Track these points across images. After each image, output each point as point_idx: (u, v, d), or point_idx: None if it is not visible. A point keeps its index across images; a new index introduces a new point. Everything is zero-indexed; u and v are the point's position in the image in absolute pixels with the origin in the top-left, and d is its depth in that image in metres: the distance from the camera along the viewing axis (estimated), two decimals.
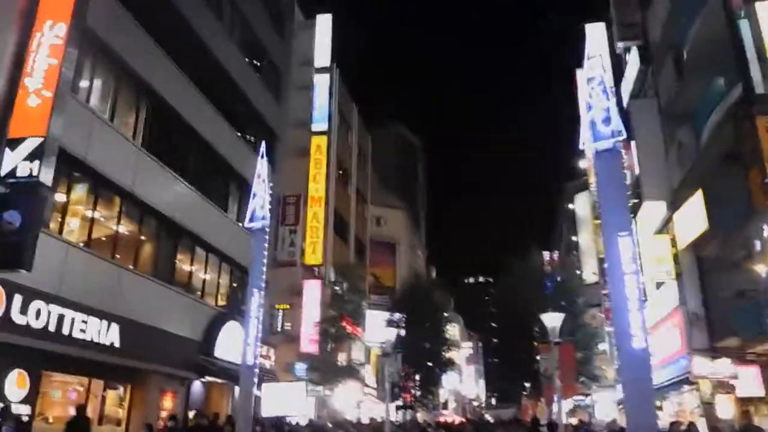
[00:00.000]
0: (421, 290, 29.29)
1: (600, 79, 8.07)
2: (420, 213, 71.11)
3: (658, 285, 20.91)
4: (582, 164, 38.56)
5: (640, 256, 24.23)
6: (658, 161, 19.59)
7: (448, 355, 29.25)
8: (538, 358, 22.79)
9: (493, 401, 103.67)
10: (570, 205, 46.77)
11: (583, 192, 45.19)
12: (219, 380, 17.53)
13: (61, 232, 11.76)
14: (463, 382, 74.04)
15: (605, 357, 29.29)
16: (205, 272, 17.92)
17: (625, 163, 24.22)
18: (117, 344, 12.60)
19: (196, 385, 16.58)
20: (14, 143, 9.88)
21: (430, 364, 27.73)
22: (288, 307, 22.82)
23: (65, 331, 11.09)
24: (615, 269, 6.94)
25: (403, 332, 26.56)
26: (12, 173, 9.71)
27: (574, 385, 18.23)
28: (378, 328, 32.47)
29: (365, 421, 24.64)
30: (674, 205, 18.67)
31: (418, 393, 27.50)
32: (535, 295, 26.54)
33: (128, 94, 14.60)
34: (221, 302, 18.92)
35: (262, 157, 10.82)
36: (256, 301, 9.99)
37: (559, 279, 30.41)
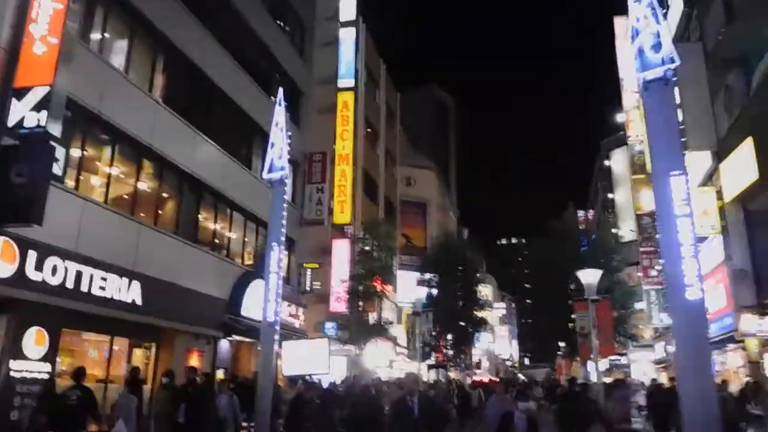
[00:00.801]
0: (452, 249, 28.67)
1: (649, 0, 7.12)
2: (451, 173, 69.96)
3: (701, 239, 19.88)
4: (619, 118, 36.88)
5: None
6: (703, 108, 18.22)
7: (480, 314, 28.76)
8: (573, 316, 22.15)
9: (527, 361, 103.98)
10: (606, 162, 45.20)
11: (620, 148, 43.57)
12: (246, 339, 17.40)
13: (77, 188, 11.43)
14: (496, 343, 73.97)
15: (642, 316, 28.39)
16: (230, 230, 17.60)
17: None
18: (139, 302, 12.38)
19: (223, 345, 16.45)
20: (21, 93, 9.45)
21: (462, 323, 27.31)
22: (317, 266, 22.47)
23: (83, 288, 10.86)
24: (666, 213, 6.17)
25: (434, 291, 26.12)
26: (19, 124, 9.31)
27: (611, 344, 17.56)
28: (409, 289, 32.28)
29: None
30: (720, 155, 17.50)
31: (450, 353, 27.17)
32: (570, 254, 25.82)
33: (144, 47, 14.05)
34: (248, 261, 18.66)
35: (280, 104, 10.18)
36: (275, 255, 9.51)
37: (594, 236, 29.42)
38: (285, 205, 9.81)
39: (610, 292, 21.08)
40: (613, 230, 37.43)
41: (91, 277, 11.08)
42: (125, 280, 12.04)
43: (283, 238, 9.65)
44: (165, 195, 14.86)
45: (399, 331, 34.58)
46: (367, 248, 21.37)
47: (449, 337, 27.50)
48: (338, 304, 22.58)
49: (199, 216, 16.10)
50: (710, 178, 18.64)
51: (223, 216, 17.29)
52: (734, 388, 17.09)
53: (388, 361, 32.55)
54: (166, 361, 13.85)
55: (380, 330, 21.08)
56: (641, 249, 27.77)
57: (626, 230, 32.23)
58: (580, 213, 56.26)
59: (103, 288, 11.38)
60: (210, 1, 16.60)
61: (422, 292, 19.70)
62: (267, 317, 9.35)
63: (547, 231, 26.84)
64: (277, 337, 9.39)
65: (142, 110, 13.37)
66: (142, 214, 13.47)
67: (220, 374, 16.25)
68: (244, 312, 16.56)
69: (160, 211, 14.36)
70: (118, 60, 13.03)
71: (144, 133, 13.29)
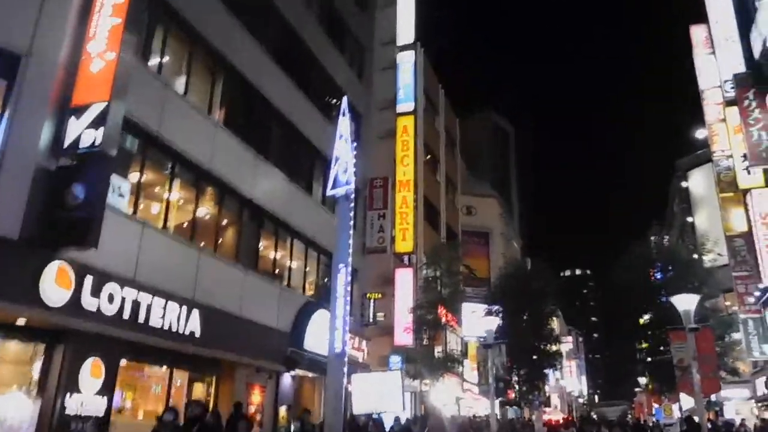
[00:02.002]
0: (520, 277, 26.99)
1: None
2: (513, 201, 68.07)
3: None
4: (699, 135, 34.51)
5: None
6: None
7: (554, 347, 26.79)
8: (663, 348, 20.10)
9: (596, 398, 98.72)
10: (683, 183, 42.42)
11: (699, 167, 40.79)
12: (310, 374, 16.47)
13: (135, 212, 10.95)
14: (565, 379, 70.19)
15: (739, 348, 25.67)
16: (291, 259, 16.88)
17: (761, 120, 20.88)
18: (198, 333, 11.67)
19: (286, 379, 15.55)
20: (78, 111, 9.06)
21: (534, 357, 25.42)
22: (380, 296, 21.47)
23: (141, 317, 10.22)
24: None
25: (501, 323, 24.52)
26: (75, 143, 8.89)
27: (716, 379, 15.45)
28: (474, 321, 30.68)
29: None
30: None
31: (524, 389, 25.28)
32: (643, 286, 23.86)
33: (203, 67, 13.73)
34: (309, 291, 17.88)
35: (344, 114, 9.39)
36: (342, 278, 8.58)
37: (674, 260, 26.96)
38: (351, 223, 8.90)
39: (704, 321, 18.95)
40: (694, 255, 34.66)
41: (150, 305, 10.45)
42: (184, 309, 11.37)
43: (350, 260, 8.71)
44: (225, 222, 14.31)
45: (466, 367, 32.91)
46: (431, 275, 20.13)
47: (521, 372, 25.63)
48: (404, 335, 21.39)
49: (260, 244, 15.47)
50: None
51: (284, 244, 16.61)
52: None
53: (454, 398, 30.89)
54: (227, 396, 13.05)
55: (449, 363, 19.69)
56: (734, 274, 25.33)
57: (709, 256, 29.56)
58: (653, 239, 53.02)
59: (161, 317, 10.73)
60: (268, 22, 16.28)
61: (493, 323, 18.21)
62: (334, 347, 8.37)
63: (629, 254, 24.75)
64: (345, 369, 8.37)
65: (202, 133, 12.94)
66: (201, 242, 12.90)
67: (282, 411, 15.35)
68: (307, 345, 15.66)
69: (220, 239, 13.79)
70: (177, 81, 12.71)
71: (204, 156, 12.83)
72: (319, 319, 16.45)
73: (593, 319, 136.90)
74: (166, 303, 10.87)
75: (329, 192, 9.07)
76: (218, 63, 13.99)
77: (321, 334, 16.23)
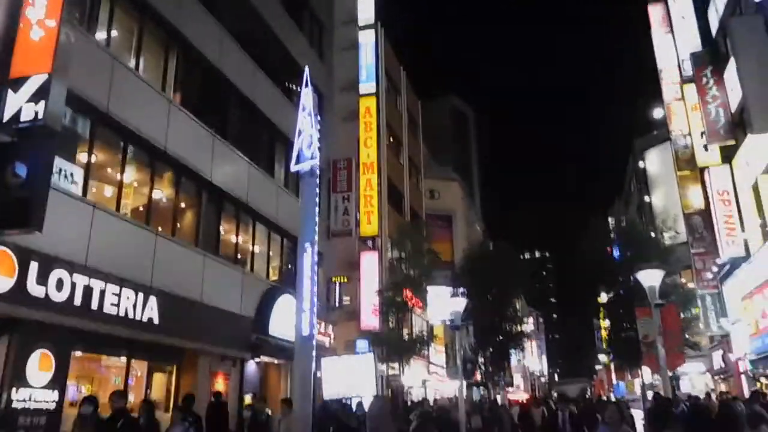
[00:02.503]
0: (484, 259, 27.05)
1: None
2: (474, 185, 68.39)
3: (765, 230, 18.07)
4: (657, 114, 35.10)
5: (736, 192, 21.44)
6: (766, 88, 16.53)
7: (519, 328, 27.05)
8: (600, 328, 20.47)
9: (555, 377, 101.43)
10: (641, 164, 43.29)
11: (656, 147, 41.59)
12: (276, 360, 16.03)
13: (85, 194, 10.26)
14: (527, 359, 71.55)
15: (696, 323, 26.36)
16: (253, 243, 16.34)
17: (718, 98, 21.22)
18: (156, 320, 11.10)
19: (251, 366, 15.09)
20: (17, 83, 8.32)
21: (500, 338, 25.60)
22: (345, 279, 21.11)
23: (94, 305, 9.60)
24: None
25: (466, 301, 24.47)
26: (15, 118, 8.16)
27: (681, 354, 15.69)
28: (439, 304, 30.62)
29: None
30: None
31: (489, 369, 25.45)
32: (602, 263, 24.23)
33: (156, 42, 12.98)
34: (273, 276, 17.38)
35: (306, 85, 8.92)
36: (309, 258, 8.18)
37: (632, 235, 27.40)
38: (317, 200, 8.49)
39: (665, 297, 19.27)
40: (652, 234, 35.40)
41: (103, 292, 9.82)
42: (141, 295, 10.78)
43: (316, 238, 8.31)
44: (183, 204, 13.66)
45: (432, 350, 32.91)
46: (397, 256, 19.81)
47: (488, 352, 25.76)
48: (371, 318, 21.11)
49: (221, 228, 14.88)
50: None
51: (246, 228, 16.05)
52: None
53: (420, 380, 30.89)
54: (189, 386, 12.51)
55: (417, 345, 19.51)
56: (692, 251, 25.83)
57: (670, 232, 30.18)
58: (611, 220, 54.16)
59: (116, 304, 10.12)
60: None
61: (461, 304, 18.07)
62: (302, 330, 7.99)
63: (575, 243, 25.15)
64: (314, 353, 8.01)
65: (156, 111, 12.24)
66: (158, 225, 12.26)
67: (248, 399, 14.90)
68: (272, 330, 15.21)
69: (178, 222, 13.15)
70: (127, 55, 11.96)
71: (159, 135, 12.14)
72: (283, 303, 16.03)
73: (552, 300, 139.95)
74: (121, 289, 10.26)
75: (293, 168, 8.62)
76: (172, 38, 13.25)
77: (286, 319, 15.82)
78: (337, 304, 20.57)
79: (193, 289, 12.72)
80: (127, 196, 11.73)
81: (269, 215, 16.80)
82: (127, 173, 11.76)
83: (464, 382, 21.00)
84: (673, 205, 30.14)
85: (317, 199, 8.38)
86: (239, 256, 15.45)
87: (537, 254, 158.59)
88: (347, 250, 23.96)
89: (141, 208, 11.98)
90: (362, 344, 22.56)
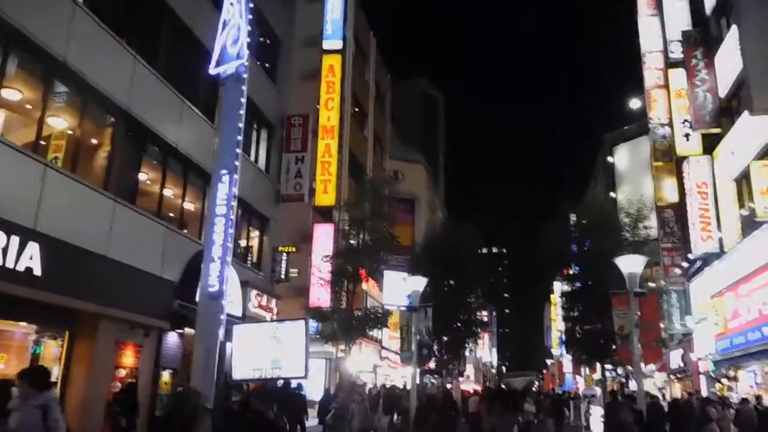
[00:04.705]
0: (447, 241, 25.24)
1: None
2: (440, 172, 66.83)
3: (750, 224, 16.76)
4: (633, 105, 33.85)
5: (715, 185, 20.27)
6: None
7: (478, 316, 25.44)
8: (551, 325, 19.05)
9: (503, 369, 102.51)
10: (609, 159, 42.34)
11: (625, 143, 40.67)
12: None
13: None
14: (480, 350, 70.91)
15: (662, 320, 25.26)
16: (184, 196, 13.96)
17: (707, 81, 19.88)
18: (38, 272, 8.73)
19: (171, 338, 12.79)
20: None
21: (458, 325, 23.88)
22: (293, 249, 18.91)
23: None
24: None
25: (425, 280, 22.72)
26: None
27: (658, 349, 14.23)
28: (395, 290, 28.81)
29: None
30: None
31: (444, 357, 23.72)
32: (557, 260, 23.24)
33: None
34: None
35: None
36: (225, 189, 6.02)
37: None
38: (242, 113, 6.28)
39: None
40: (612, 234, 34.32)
41: None
42: (16, 238, 8.38)
43: (237, 163, 6.13)
44: (90, 135, 11.20)
45: (384, 335, 31.21)
46: (354, 217, 17.55)
47: (444, 339, 24.01)
48: (322, 294, 18.91)
49: (142, 173, 12.47)
50: None
51: (176, 176, 13.64)
52: None
53: (371, 365, 29.11)
54: (86, 357, 10.20)
55: (370, 323, 17.46)
56: (662, 245, 24.64)
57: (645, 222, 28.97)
58: (573, 216, 53.37)
59: None
60: None
61: (420, 283, 16.18)
62: (208, 286, 5.85)
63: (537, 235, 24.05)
64: (223, 317, 5.89)
65: (53, 13, 9.71)
66: (53, 155, 9.82)
67: (166, 376, 12.65)
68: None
69: (80, 157, 10.67)
70: None
71: (56, 43, 9.64)
72: None
73: (506, 295, 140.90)
74: None
75: (212, 70, 6.40)
76: None
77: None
78: (282, 276, 18.34)
79: (97, 241, 10.35)
80: (10, 115, 9.25)
81: (207, 167, 14.39)
82: (9, 87, 9.25)
83: (418, 369, 19.19)
84: (637, 204, 28.98)
85: (241, 116, 6.19)
86: (164, 210, 13.04)
87: (494, 250, 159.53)
88: (300, 220, 21.76)
89: (30, 134, 9.49)
90: (311, 323, 20.52)
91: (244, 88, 6.20)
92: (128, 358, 11.47)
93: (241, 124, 6.18)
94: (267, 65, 18.71)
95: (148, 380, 11.98)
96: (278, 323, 7.69)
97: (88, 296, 9.85)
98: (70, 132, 10.46)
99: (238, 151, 6.14)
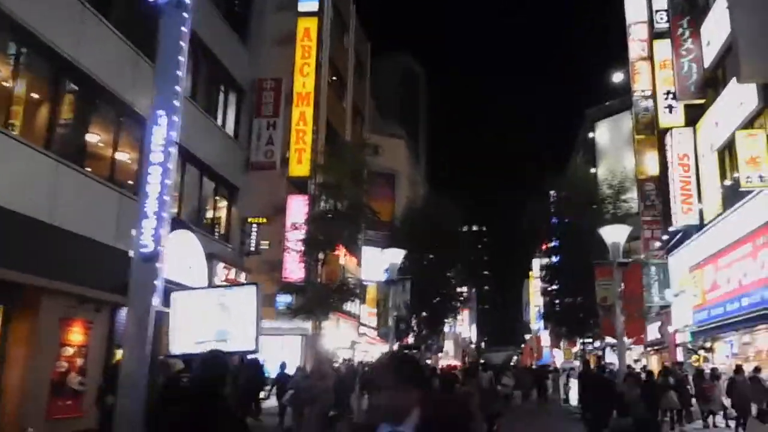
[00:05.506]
0: (429, 215, 24.62)
1: None
2: (420, 147, 65.92)
3: (731, 196, 16.37)
4: (616, 78, 33.26)
5: (696, 156, 19.93)
6: (759, 27, 14.39)
7: (458, 290, 24.95)
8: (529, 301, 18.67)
9: (482, 345, 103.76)
10: (590, 134, 41.94)
11: (607, 119, 40.28)
12: (166, 309, 12.90)
13: None
14: (459, 326, 71.13)
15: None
16: (141, 161, 12.93)
17: (693, 51, 19.35)
18: None
19: (125, 314, 11.88)
20: None
21: (437, 299, 23.37)
22: (264, 221, 18.00)
23: None
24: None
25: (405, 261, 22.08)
26: None
27: (642, 321, 13.77)
28: (374, 266, 28.15)
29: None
30: None
31: (423, 332, 23.21)
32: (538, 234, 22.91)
33: None
34: (173, 209, 14.11)
35: None
36: (161, 133, 5.15)
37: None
38: (185, 45, 5.37)
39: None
40: (594, 207, 34.10)
41: None
42: None
43: (178, 103, 5.25)
44: (31, 89, 10.14)
45: (363, 311, 30.63)
46: (329, 181, 16.53)
47: (423, 314, 23.51)
48: (296, 268, 18.01)
49: (91, 133, 11.44)
50: (756, 117, 15.08)
51: (134, 141, 12.61)
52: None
53: (350, 342, 28.55)
54: (27, 335, 9.30)
55: (344, 295, 16.65)
56: (642, 218, 24.33)
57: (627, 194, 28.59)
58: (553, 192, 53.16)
59: None
60: None
61: (398, 256, 15.48)
62: (141, 246, 5.03)
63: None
64: (159, 282, 5.08)
65: None
66: None
67: (119, 355, 11.75)
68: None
69: (16, 111, 9.62)
70: None
71: None
72: (178, 241, 12.94)
73: (486, 273, 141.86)
74: None
75: None
76: None
77: (179, 260, 12.82)
78: (252, 248, 17.46)
79: (38, 206, 9.40)
80: None
81: None
82: None
83: (396, 344, 18.61)
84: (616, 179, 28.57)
85: (183, 49, 5.28)
86: (117, 176, 12.04)
87: (474, 228, 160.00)
88: (273, 190, 20.77)
89: None
90: (284, 299, 19.74)
91: (187, 15, 5.31)
92: (76, 335, 10.57)
93: (182, 58, 5.29)
94: (237, 27, 17.62)
95: (99, 358, 11.12)
96: (226, 289, 6.85)
97: (27, 268, 8.91)
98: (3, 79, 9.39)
99: (179, 89, 5.26)
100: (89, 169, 10.95)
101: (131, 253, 5.32)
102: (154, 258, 5.14)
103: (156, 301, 5.20)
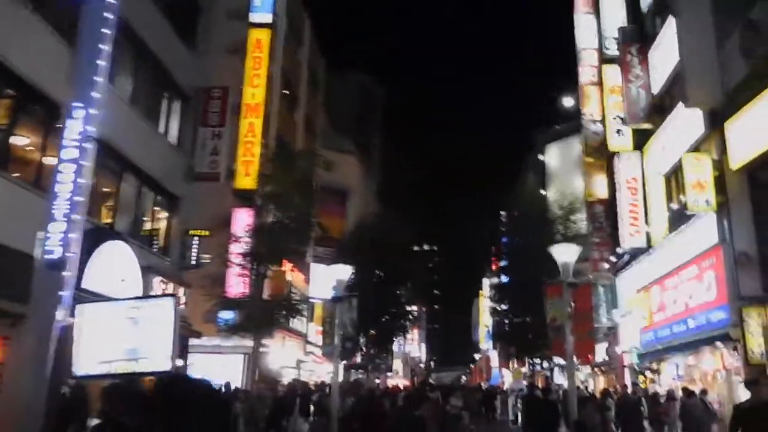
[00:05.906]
0: (378, 230, 24.29)
1: None
2: (374, 164, 65.78)
3: (677, 219, 16.75)
4: (566, 102, 34.08)
5: (644, 180, 20.36)
6: (706, 57, 14.89)
7: (408, 309, 24.61)
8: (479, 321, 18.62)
9: (432, 364, 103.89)
10: (540, 156, 42.85)
11: (556, 142, 41.26)
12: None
13: None
14: (408, 345, 70.85)
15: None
16: None
17: (641, 78, 19.86)
18: None
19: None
20: None
21: (386, 318, 22.94)
22: (207, 233, 17.23)
23: None
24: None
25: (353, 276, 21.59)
26: None
27: (592, 341, 13.75)
28: (323, 283, 27.50)
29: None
30: (724, 113, 14.23)
31: (371, 351, 22.70)
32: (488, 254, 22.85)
33: None
34: (105, 218, 13.32)
35: None
36: (76, 127, 4.60)
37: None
38: (109, 33, 4.86)
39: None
40: (545, 227, 34.69)
41: None
42: None
43: (97, 95, 4.72)
44: None
45: (310, 330, 29.86)
46: (275, 191, 15.90)
47: (371, 333, 23.00)
48: (240, 283, 17.27)
49: (16, 135, 10.59)
50: (702, 142, 15.47)
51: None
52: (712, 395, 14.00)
53: (295, 361, 27.73)
54: None
55: (286, 311, 15.99)
56: (591, 240, 24.72)
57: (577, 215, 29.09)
58: (503, 214, 54.02)
59: None
60: None
61: (346, 272, 15.02)
62: (46, 252, 4.44)
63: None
64: (65, 293, 4.48)
65: None
66: None
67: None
68: (87, 284, 11.18)
69: None
70: None
71: None
72: (110, 252, 12.16)
73: (436, 292, 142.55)
74: None
75: None
76: None
77: (110, 272, 12.02)
78: (193, 262, 16.65)
79: None
80: None
81: (107, 138, 12.61)
82: None
83: (342, 363, 18.04)
84: (565, 201, 29.12)
85: (106, 37, 4.77)
86: (44, 181, 11.16)
87: (426, 247, 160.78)
88: (218, 202, 19.99)
89: None
90: (227, 316, 18.92)
91: (113, 1, 4.81)
92: None
93: (105, 47, 4.77)
94: (184, 33, 16.99)
95: (19, 378, 10.12)
96: (138, 301, 6.25)
97: None
98: None
99: (99, 80, 4.74)
100: (13, 174, 10.09)
101: (35, 258, 4.71)
102: (61, 265, 4.56)
103: (63, 313, 4.58)
